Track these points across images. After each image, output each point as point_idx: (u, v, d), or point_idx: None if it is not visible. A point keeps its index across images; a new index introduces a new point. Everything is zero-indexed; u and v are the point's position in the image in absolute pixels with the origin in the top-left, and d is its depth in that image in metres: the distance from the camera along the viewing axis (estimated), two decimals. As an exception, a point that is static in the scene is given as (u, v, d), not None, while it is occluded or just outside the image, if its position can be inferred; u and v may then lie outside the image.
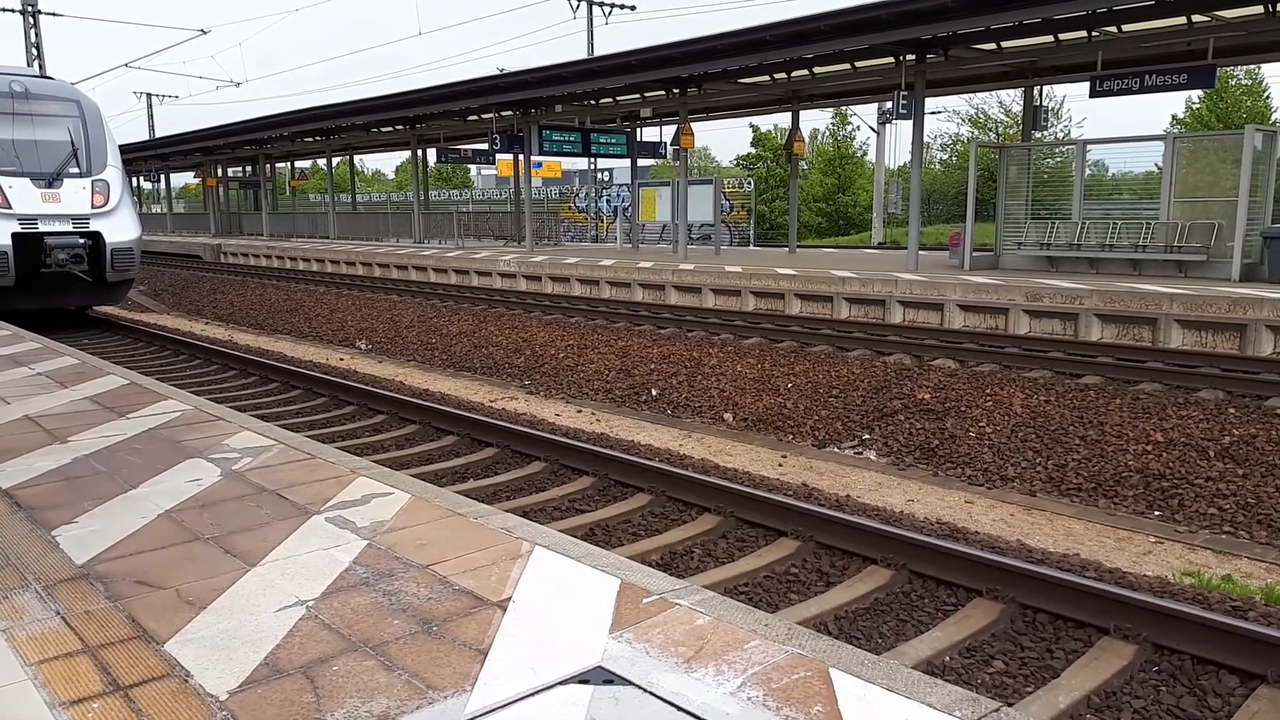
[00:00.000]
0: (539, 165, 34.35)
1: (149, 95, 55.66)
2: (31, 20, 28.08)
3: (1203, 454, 7.41)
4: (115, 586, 3.17)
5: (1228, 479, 6.96)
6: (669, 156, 28.72)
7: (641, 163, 27.65)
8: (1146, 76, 14.46)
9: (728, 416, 9.86)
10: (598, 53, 33.16)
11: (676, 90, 20.66)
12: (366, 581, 3.19)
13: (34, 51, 28.29)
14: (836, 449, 8.74)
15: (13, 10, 28.09)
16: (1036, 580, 4.68)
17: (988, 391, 9.29)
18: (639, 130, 27.11)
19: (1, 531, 3.71)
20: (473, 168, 61.10)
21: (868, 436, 8.85)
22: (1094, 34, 14.73)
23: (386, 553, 3.46)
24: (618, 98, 23.26)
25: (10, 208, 14.39)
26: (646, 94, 22.65)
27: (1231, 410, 8.27)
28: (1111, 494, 7.11)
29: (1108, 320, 11.97)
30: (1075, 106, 45.03)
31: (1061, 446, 7.93)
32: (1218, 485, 6.90)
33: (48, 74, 20.61)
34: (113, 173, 15.70)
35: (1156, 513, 6.76)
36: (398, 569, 3.30)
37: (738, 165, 53.27)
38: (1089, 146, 16.10)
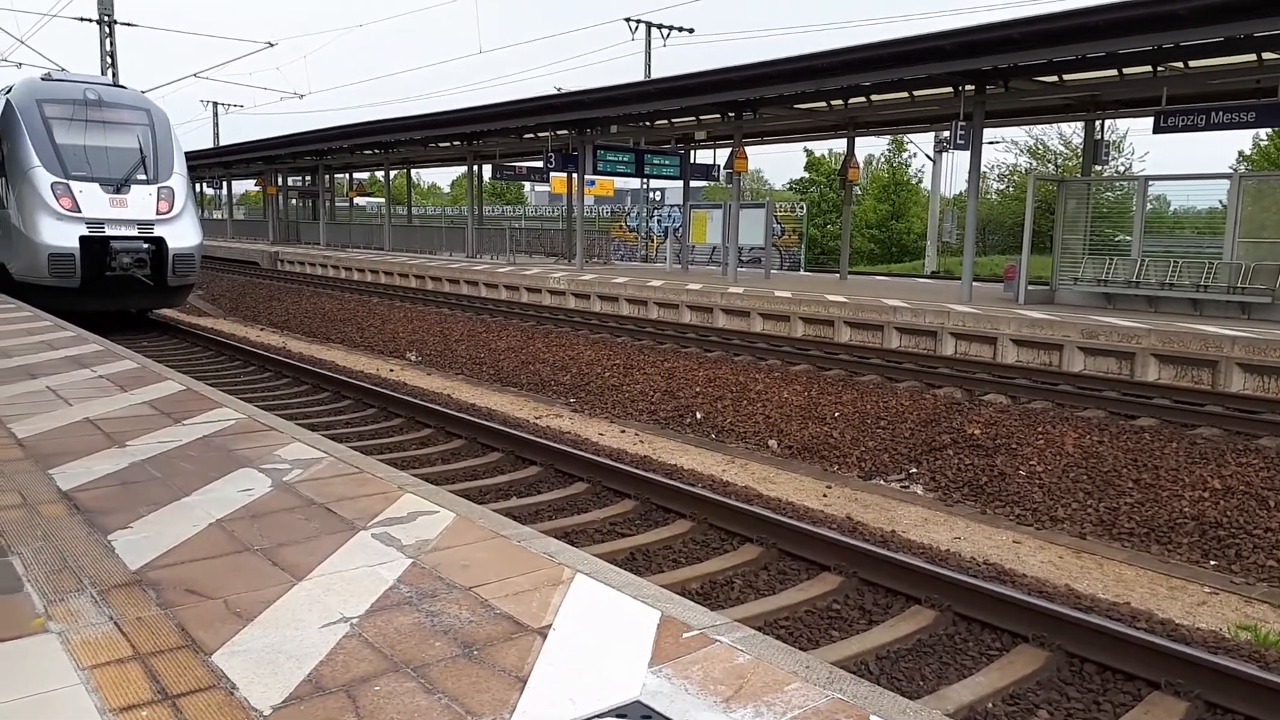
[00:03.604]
0: (592, 183, 34.61)
1: (215, 104, 57.16)
2: (107, 30, 29.02)
3: (1262, 504, 7.20)
4: (166, 594, 3.23)
5: (1288, 531, 6.75)
6: (722, 179, 28.78)
7: (694, 183, 27.73)
8: (1213, 114, 14.17)
9: (772, 443, 9.80)
10: (655, 74, 33.39)
11: (732, 114, 20.71)
12: (410, 601, 3.22)
13: (108, 60, 29.22)
14: (883, 481, 8.64)
15: (90, 20, 29.07)
16: (1085, 629, 4.58)
17: (1039, 429, 9.13)
18: (692, 152, 27.21)
19: (61, 534, 3.81)
20: (526, 184, 61.71)
21: (915, 470, 8.74)
22: (1159, 69, 14.49)
23: (430, 572, 3.48)
24: (673, 120, 23.39)
25: (80, 212, 14.85)
26: (701, 117, 22.74)
27: (1294, 459, 8.03)
28: (1165, 540, 6.94)
29: (1166, 361, 11.71)
30: (1138, 140, 44.20)
31: (1114, 489, 7.75)
32: (1278, 536, 6.69)
33: (120, 83, 21.28)
34: (178, 180, 16.13)
35: (1212, 562, 6.58)
36: (441, 590, 3.32)
37: (790, 189, 53.13)
38: (1150, 182, 15.80)
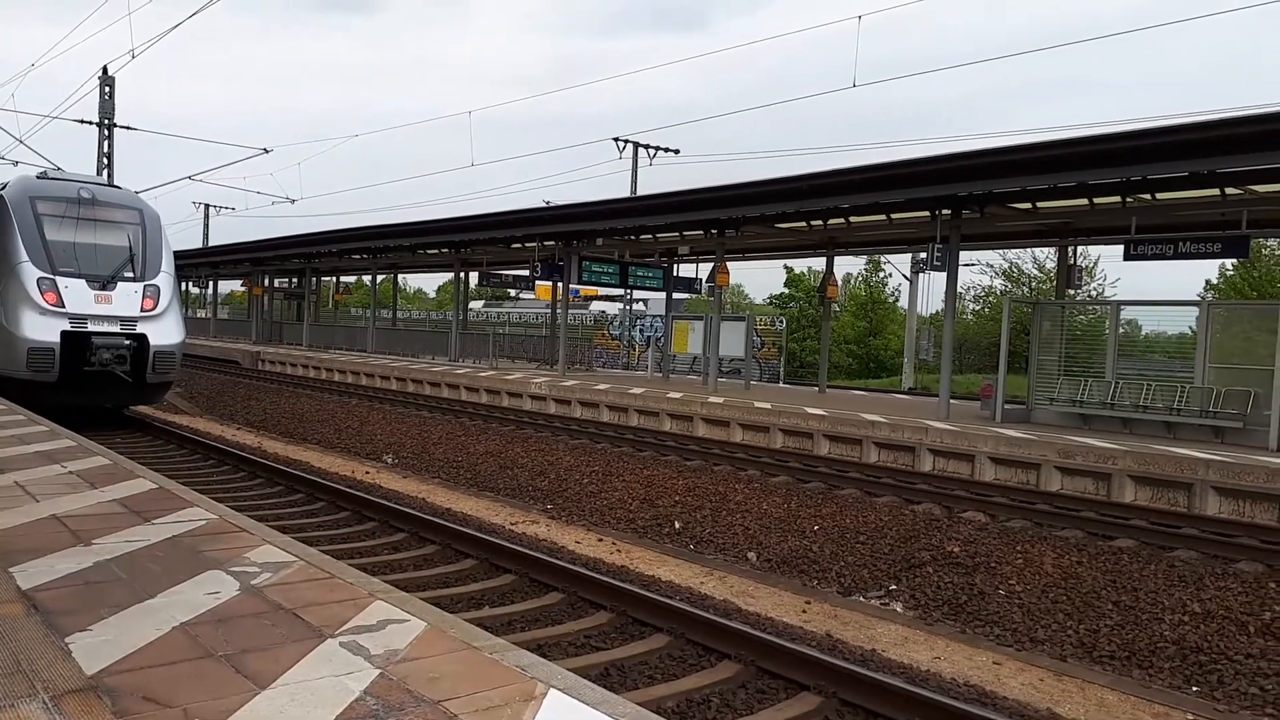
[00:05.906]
0: (576, 292, 35.06)
1: (206, 206, 57.99)
2: (106, 132, 29.60)
3: (1242, 629, 7.15)
4: (123, 701, 3.12)
5: (1269, 657, 6.69)
6: (704, 292, 29.25)
7: (676, 295, 28.15)
8: (1180, 243, 14.62)
9: (752, 556, 9.70)
10: (640, 190, 34.29)
11: (714, 231, 21.19)
12: (375, 714, 3.12)
13: (105, 160, 29.69)
14: (862, 598, 8.53)
15: (90, 122, 29.66)
16: (1068, 757, 4.47)
17: (1018, 549, 9.09)
18: (676, 265, 27.71)
19: (16, 634, 3.69)
20: (511, 290, 62.44)
21: (895, 587, 8.65)
22: (1128, 200, 15.01)
23: (398, 684, 3.39)
24: (657, 235, 23.88)
25: (64, 307, 14.86)
26: (685, 233, 23.24)
27: (1272, 584, 8.01)
28: (1146, 664, 6.85)
29: (1142, 482, 11.76)
30: (1109, 266, 45.26)
31: (1094, 611, 7.69)
32: (1259, 663, 6.63)
33: (115, 183, 21.61)
34: (164, 279, 16.22)
35: (1194, 688, 6.48)
36: (408, 703, 3.22)
37: (771, 303, 54.05)
38: (1122, 307, 16.18)
